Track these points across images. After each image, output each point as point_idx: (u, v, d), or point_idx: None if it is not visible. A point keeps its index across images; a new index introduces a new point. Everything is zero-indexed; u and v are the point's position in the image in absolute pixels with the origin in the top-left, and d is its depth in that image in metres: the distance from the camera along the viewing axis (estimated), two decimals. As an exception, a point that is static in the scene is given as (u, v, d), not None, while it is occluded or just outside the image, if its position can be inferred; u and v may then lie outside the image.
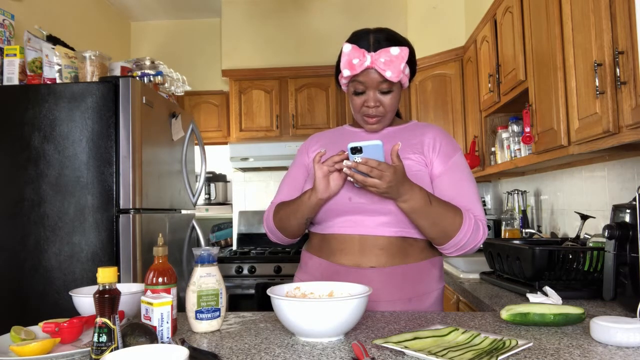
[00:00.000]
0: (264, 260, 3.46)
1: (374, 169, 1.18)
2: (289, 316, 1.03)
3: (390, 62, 1.29)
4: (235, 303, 3.35)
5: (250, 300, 3.37)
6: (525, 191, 2.99)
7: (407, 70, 1.37)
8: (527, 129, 2.17)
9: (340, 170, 1.28)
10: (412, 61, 1.39)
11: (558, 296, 1.27)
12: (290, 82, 3.97)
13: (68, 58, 2.31)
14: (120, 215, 2.16)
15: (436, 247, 1.38)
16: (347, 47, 1.32)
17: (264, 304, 3.31)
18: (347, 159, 1.23)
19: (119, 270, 1.64)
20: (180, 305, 1.21)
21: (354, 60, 1.31)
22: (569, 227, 2.48)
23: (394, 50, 1.30)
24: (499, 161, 2.78)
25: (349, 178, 1.23)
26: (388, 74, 1.29)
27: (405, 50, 1.31)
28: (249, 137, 3.95)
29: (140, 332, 0.98)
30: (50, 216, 2.16)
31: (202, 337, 1.12)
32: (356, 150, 1.20)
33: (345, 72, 1.33)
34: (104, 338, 0.91)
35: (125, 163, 2.17)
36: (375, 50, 1.31)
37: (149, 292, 1.12)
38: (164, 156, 2.52)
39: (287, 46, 4.05)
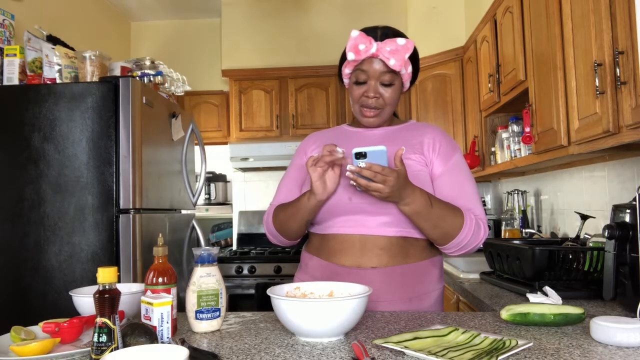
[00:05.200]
0: (264, 260, 3.46)
1: (377, 174, 1.17)
2: (289, 316, 1.03)
3: (395, 51, 1.31)
4: (235, 303, 3.35)
5: (250, 300, 3.37)
6: (525, 191, 2.99)
7: (410, 68, 1.38)
8: (527, 129, 2.17)
9: (333, 168, 1.28)
10: (415, 60, 1.39)
11: (558, 296, 1.27)
12: (290, 82, 3.97)
13: (68, 58, 2.31)
14: (120, 215, 2.16)
15: (438, 247, 1.38)
16: (355, 33, 1.35)
17: (264, 304, 3.31)
18: (340, 158, 1.24)
19: (119, 270, 1.64)
20: (180, 305, 1.21)
21: (360, 45, 1.33)
22: (569, 227, 2.48)
23: (400, 40, 1.33)
24: (499, 161, 2.78)
25: (350, 182, 1.23)
26: (392, 62, 1.31)
27: (411, 43, 1.34)
28: (249, 137, 3.95)
29: (140, 332, 0.98)
30: (50, 216, 2.16)
31: (202, 337, 1.12)
32: (360, 156, 1.20)
33: (350, 56, 1.34)
34: (104, 338, 0.91)
35: (125, 163, 2.17)
36: (382, 40, 1.34)
37: (149, 292, 1.12)
38: (164, 156, 2.52)
39: (287, 46, 4.05)
